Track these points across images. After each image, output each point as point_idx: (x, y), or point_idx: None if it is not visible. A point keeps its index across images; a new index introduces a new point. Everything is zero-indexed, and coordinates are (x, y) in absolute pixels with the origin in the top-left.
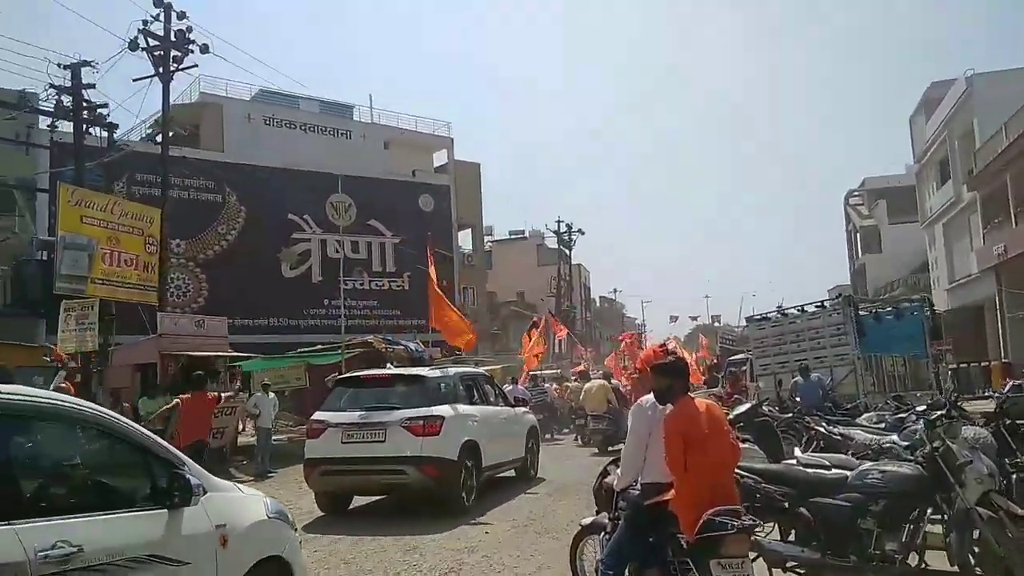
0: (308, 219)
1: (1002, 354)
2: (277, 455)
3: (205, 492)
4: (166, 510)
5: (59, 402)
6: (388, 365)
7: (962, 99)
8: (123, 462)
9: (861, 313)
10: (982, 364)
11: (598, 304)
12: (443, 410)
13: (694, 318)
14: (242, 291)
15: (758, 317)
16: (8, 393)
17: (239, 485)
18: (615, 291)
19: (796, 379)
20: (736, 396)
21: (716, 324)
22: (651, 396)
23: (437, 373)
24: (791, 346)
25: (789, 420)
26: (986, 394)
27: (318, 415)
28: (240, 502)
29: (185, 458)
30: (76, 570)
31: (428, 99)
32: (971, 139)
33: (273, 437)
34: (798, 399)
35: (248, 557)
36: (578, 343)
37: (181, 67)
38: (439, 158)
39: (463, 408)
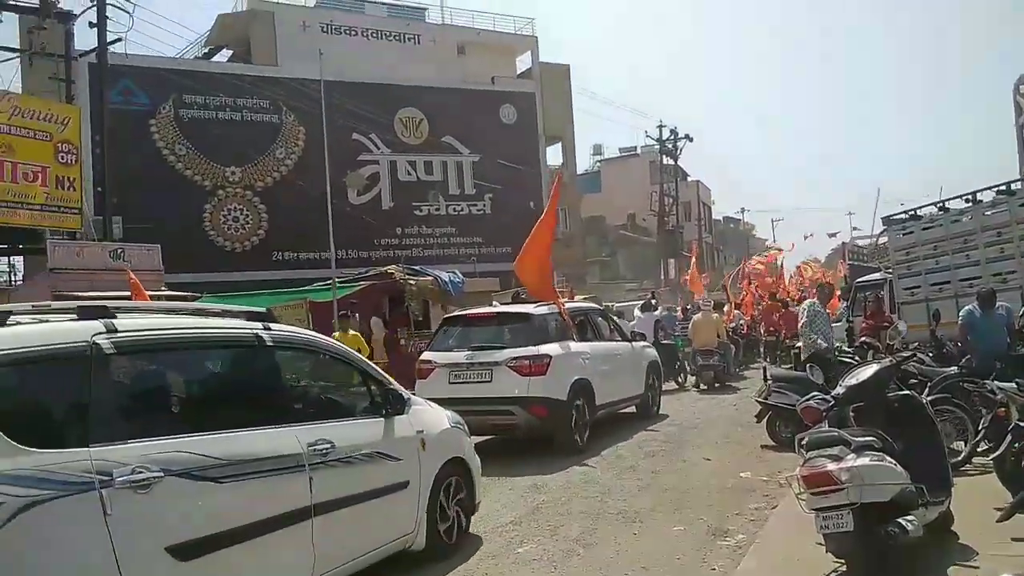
0: (375, 138)
1: None
2: None
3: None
4: (383, 418)
5: (310, 336)
6: (494, 303)
7: None
8: (352, 382)
9: None
10: None
11: (722, 224)
12: (550, 348)
13: (832, 234)
14: (304, 221)
15: (902, 215)
16: (282, 330)
17: (428, 400)
18: (742, 211)
19: (970, 308)
20: (882, 327)
21: (856, 243)
22: None
23: (544, 310)
24: (955, 258)
25: (953, 381)
26: None
27: (427, 355)
28: (432, 413)
29: (390, 378)
30: (331, 460)
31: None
32: None
33: None
34: (969, 341)
35: (440, 457)
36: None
37: None
38: (522, 63)
39: (573, 345)
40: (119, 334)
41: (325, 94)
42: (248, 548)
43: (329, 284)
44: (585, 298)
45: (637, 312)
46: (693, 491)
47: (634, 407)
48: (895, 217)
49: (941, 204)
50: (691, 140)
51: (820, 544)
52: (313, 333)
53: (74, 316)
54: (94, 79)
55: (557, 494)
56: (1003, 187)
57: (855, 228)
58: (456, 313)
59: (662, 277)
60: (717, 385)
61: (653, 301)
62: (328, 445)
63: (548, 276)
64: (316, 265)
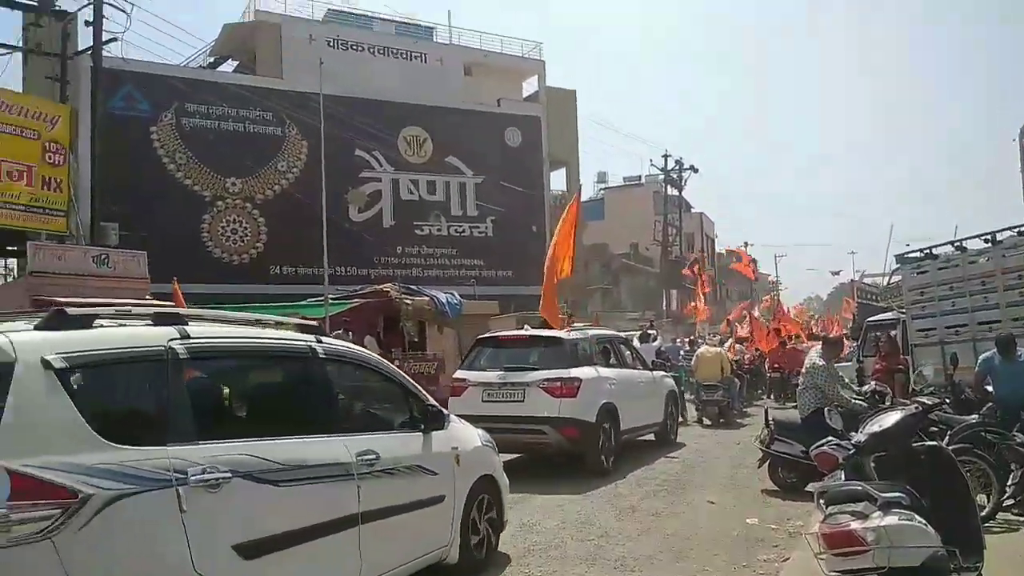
0: (378, 155)
1: None
2: None
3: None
4: (421, 433)
5: (358, 350)
6: (525, 327)
7: None
8: (393, 396)
9: None
10: None
11: (724, 258)
12: (581, 372)
13: (835, 273)
14: (303, 235)
15: (917, 253)
16: (332, 343)
17: (458, 417)
18: (745, 244)
19: (990, 355)
20: (896, 369)
21: (864, 282)
22: None
23: (574, 335)
24: (973, 300)
25: (975, 431)
26: None
27: (459, 373)
28: (464, 431)
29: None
30: (376, 471)
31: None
32: None
33: None
34: (989, 389)
35: (473, 474)
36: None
37: None
38: (529, 86)
39: (601, 371)
40: (191, 340)
41: (329, 109)
42: (303, 551)
43: (322, 300)
44: (586, 325)
45: (636, 343)
46: (697, 537)
47: (653, 435)
48: (909, 255)
49: (958, 243)
50: (696, 171)
51: None
52: (360, 348)
53: (149, 321)
54: (98, 81)
55: (550, 536)
56: (1023, 228)
57: (859, 270)
58: (489, 335)
59: (664, 307)
60: (721, 421)
61: (651, 332)
62: (374, 456)
63: (553, 303)
64: (313, 281)
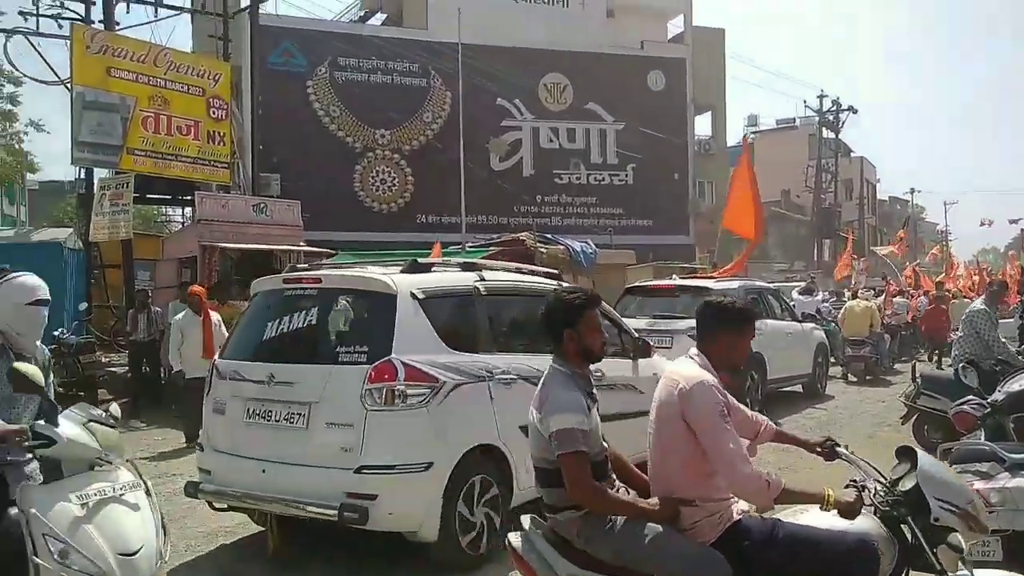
0: (519, 104)
1: None
2: None
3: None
4: (631, 360)
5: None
6: (672, 277)
7: None
8: (611, 331)
9: None
10: None
11: (887, 205)
12: None
13: (1014, 221)
14: (447, 185)
15: None
16: (536, 282)
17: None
18: (911, 191)
19: None
20: None
21: None
22: None
23: (722, 285)
24: None
25: None
26: None
27: None
28: (662, 362)
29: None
30: (602, 384)
31: None
32: None
33: None
34: None
35: None
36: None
37: None
38: (674, 27)
39: None
40: (487, 282)
41: (470, 58)
42: None
43: (459, 247)
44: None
45: (796, 295)
46: None
47: (800, 386)
48: None
49: None
50: (855, 112)
51: None
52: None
53: (459, 269)
54: (255, 39)
55: None
56: None
57: None
58: (638, 284)
59: (815, 258)
60: (868, 378)
61: (813, 285)
62: (600, 373)
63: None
64: (456, 229)
